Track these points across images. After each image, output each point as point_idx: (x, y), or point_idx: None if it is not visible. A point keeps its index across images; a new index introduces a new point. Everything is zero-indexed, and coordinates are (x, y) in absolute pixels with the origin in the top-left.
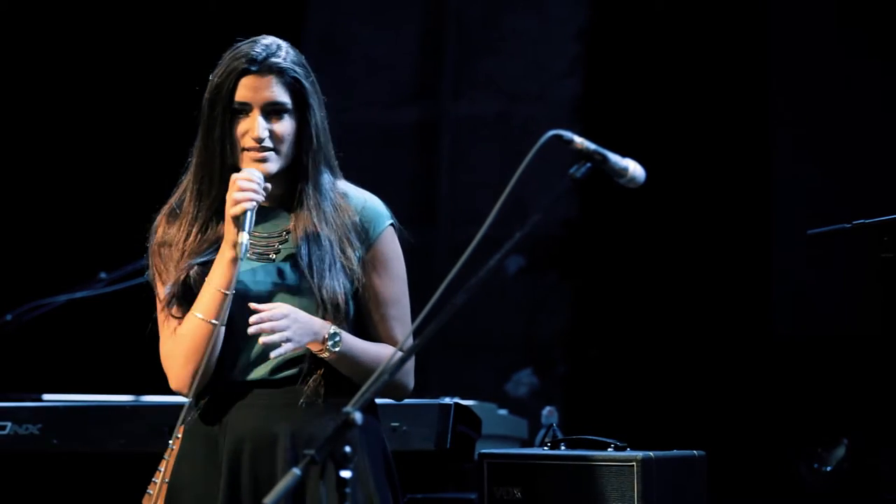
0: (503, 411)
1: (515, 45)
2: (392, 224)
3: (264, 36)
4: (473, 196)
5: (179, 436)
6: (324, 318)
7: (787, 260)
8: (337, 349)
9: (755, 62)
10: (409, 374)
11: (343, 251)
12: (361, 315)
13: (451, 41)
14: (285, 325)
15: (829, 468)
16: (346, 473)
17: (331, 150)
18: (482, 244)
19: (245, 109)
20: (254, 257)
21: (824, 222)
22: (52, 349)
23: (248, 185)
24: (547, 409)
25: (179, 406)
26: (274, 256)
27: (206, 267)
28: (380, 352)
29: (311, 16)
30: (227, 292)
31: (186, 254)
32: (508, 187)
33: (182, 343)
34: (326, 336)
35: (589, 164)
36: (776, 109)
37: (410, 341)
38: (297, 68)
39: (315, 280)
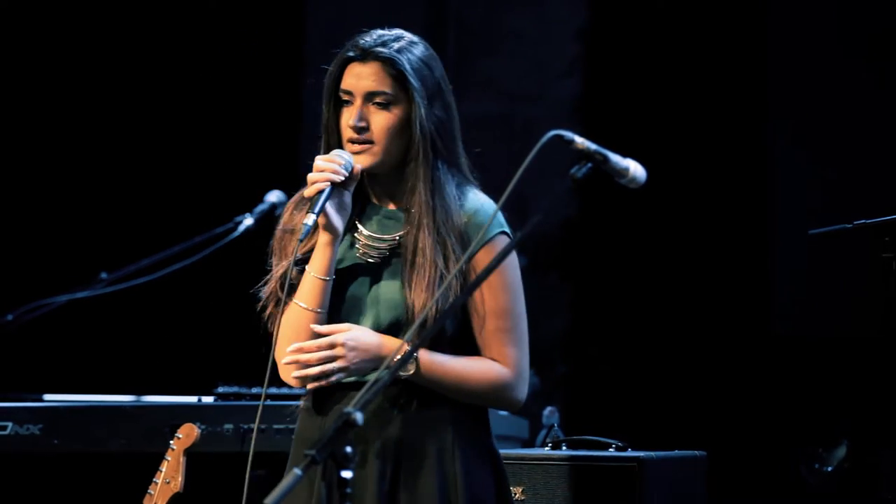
0: (504, 412)
1: (515, 45)
2: (504, 232)
3: (390, 28)
4: None
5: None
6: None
7: (787, 260)
8: (407, 373)
9: (754, 62)
10: (514, 389)
11: (447, 263)
12: (468, 328)
13: (451, 41)
14: (335, 354)
15: (829, 468)
16: (346, 474)
17: (453, 149)
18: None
19: (350, 98)
20: (359, 254)
21: (825, 222)
22: (53, 349)
23: (325, 166)
24: (548, 410)
25: (180, 406)
26: (379, 259)
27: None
28: (470, 367)
29: (311, 16)
30: (325, 278)
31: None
32: (509, 188)
33: (285, 333)
34: (395, 359)
35: (590, 165)
36: (775, 109)
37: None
38: (403, 59)
39: (411, 294)
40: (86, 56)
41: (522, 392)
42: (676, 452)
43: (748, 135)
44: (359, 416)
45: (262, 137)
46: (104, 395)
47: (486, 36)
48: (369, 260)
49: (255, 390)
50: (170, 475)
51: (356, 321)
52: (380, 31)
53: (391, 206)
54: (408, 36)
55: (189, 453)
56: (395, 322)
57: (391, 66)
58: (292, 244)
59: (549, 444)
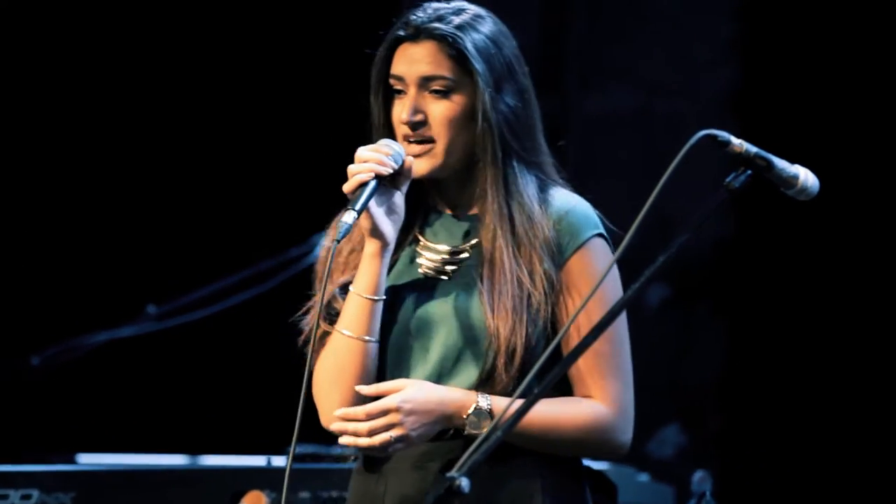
0: (644, 476)
1: (654, 27)
2: (600, 234)
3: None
4: (605, 208)
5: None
6: (496, 363)
7: None
8: (479, 430)
9: None
10: (616, 430)
11: (533, 279)
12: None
13: (578, 23)
14: (390, 421)
15: None
16: None
17: (530, 144)
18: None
19: (402, 86)
20: (422, 271)
21: None
22: (90, 400)
23: (369, 156)
24: (698, 475)
25: (245, 470)
26: (449, 275)
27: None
28: (559, 410)
29: None
30: (373, 298)
31: (347, 267)
32: (650, 200)
33: (326, 365)
34: (466, 416)
35: (749, 172)
36: None
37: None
38: (464, 36)
39: (493, 317)
40: (146, 73)
41: (627, 434)
42: None
43: None
44: (464, 483)
45: (339, 144)
46: (152, 455)
47: (617, 18)
48: (440, 277)
49: (337, 450)
50: None
51: (422, 354)
52: (436, 4)
53: (460, 214)
54: (472, 9)
55: None
56: (475, 352)
57: (450, 46)
58: (339, 266)
59: None
